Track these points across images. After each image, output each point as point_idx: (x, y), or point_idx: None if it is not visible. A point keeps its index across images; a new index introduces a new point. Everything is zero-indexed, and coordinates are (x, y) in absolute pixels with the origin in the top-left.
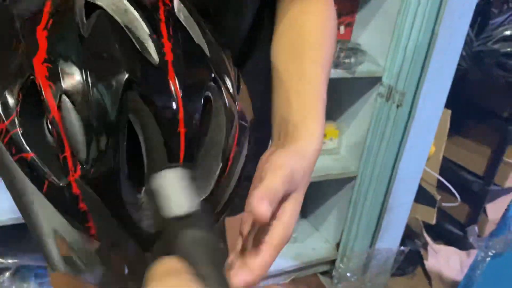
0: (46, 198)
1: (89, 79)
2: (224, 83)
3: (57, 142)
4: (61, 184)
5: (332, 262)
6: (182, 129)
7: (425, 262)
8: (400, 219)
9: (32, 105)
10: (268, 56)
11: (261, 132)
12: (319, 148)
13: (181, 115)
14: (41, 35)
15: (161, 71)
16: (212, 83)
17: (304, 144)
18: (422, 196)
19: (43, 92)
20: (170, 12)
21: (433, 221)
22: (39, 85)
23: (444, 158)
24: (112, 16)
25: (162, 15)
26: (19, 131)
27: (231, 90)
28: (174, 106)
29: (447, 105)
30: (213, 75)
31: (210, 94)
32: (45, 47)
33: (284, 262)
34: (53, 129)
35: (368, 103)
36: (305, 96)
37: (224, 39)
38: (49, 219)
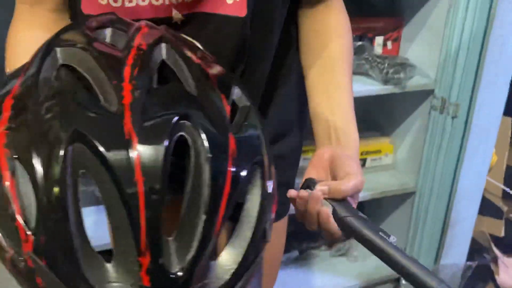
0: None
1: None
2: (209, 118)
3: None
4: (19, 257)
5: (397, 281)
6: (140, 185)
7: (496, 277)
8: (464, 234)
9: None
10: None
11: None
12: None
13: (137, 161)
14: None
15: (117, 117)
16: (187, 122)
17: (355, 152)
18: (487, 208)
19: None
20: (142, 55)
21: (502, 234)
22: None
23: (508, 166)
24: (74, 68)
25: (130, 60)
26: None
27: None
28: (130, 154)
29: (507, 113)
30: (193, 113)
31: (184, 134)
32: (7, 115)
33: (346, 282)
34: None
35: (421, 117)
36: (345, 105)
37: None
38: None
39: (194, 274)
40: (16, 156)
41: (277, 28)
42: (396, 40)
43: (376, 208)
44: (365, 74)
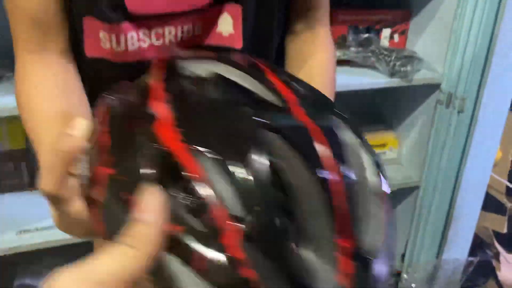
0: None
1: (220, 129)
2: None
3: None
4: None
5: (397, 274)
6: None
7: (498, 273)
8: (467, 229)
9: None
10: None
11: None
12: None
13: (328, 152)
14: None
15: (289, 112)
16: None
17: None
18: (491, 204)
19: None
20: (267, 64)
21: (504, 230)
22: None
23: None
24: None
25: (261, 65)
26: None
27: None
28: (318, 148)
29: None
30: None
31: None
32: (172, 116)
33: None
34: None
35: (427, 111)
36: None
37: None
38: None
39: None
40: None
41: (273, 57)
42: (403, 33)
43: None
44: (371, 66)
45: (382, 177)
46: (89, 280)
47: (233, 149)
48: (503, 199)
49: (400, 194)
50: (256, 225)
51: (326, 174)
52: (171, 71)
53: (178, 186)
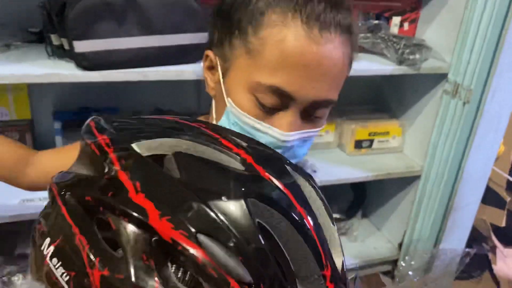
0: None
1: (214, 209)
2: None
3: (215, 280)
4: None
5: (394, 262)
6: (301, 210)
7: (494, 266)
8: (466, 220)
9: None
10: None
11: None
12: None
13: (299, 207)
14: (139, 198)
15: (251, 171)
16: None
17: None
18: (490, 197)
19: (180, 243)
20: None
21: (502, 224)
22: (172, 239)
23: None
24: (188, 154)
25: (226, 142)
26: None
27: None
28: (293, 204)
29: None
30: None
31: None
32: (151, 206)
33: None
34: (206, 270)
35: (433, 100)
36: None
37: None
38: None
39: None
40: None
41: None
42: (414, 22)
43: (380, 189)
44: (380, 53)
45: (331, 214)
46: None
47: (223, 221)
48: (503, 193)
49: (401, 183)
50: (265, 283)
51: (305, 228)
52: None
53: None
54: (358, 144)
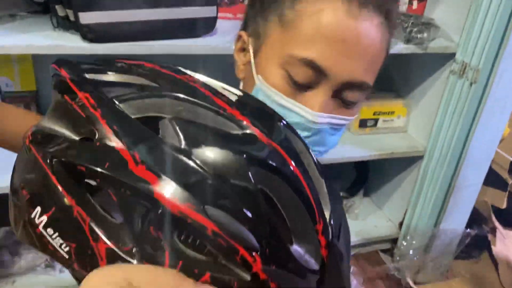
0: None
1: (218, 180)
2: None
3: (225, 249)
4: (248, 279)
5: (394, 241)
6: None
7: (493, 247)
8: (467, 201)
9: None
10: None
11: None
12: None
13: (293, 164)
14: (140, 170)
15: (247, 134)
16: None
17: None
18: (493, 179)
19: (187, 215)
20: None
21: (503, 205)
22: (180, 212)
23: None
24: (185, 119)
25: (221, 103)
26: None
27: None
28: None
29: None
30: None
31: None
32: (154, 177)
33: None
34: (216, 240)
35: (439, 80)
36: None
37: None
38: None
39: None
40: None
41: None
42: (423, 0)
43: (383, 168)
44: None
45: (318, 166)
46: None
47: (229, 188)
48: (506, 175)
49: (404, 163)
50: (268, 249)
51: (299, 184)
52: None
53: (192, 241)
54: (363, 123)
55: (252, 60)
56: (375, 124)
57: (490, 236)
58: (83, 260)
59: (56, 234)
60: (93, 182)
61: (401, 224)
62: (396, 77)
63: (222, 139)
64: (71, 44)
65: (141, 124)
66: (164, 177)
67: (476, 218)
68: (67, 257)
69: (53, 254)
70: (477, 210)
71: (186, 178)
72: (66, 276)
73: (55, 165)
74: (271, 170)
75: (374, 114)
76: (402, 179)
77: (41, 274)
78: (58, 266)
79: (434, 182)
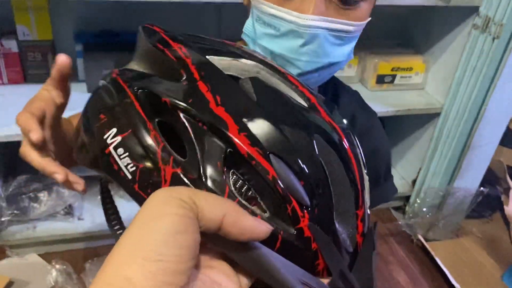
0: (279, 253)
1: (285, 133)
2: None
3: (280, 197)
4: (294, 232)
5: (406, 199)
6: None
7: (505, 207)
8: (482, 160)
9: (238, 169)
10: None
11: None
12: None
13: (350, 148)
14: (220, 111)
15: (314, 109)
16: None
17: None
18: (509, 139)
19: (254, 158)
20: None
21: None
22: (248, 153)
23: None
24: (263, 81)
25: (292, 80)
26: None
27: None
28: (344, 144)
29: None
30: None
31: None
32: (231, 120)
33: None
34: (274, 186)
35: (461, 36)
36: None
37: None
38: (291, 272)
39: None
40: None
41: None
42: None
43: (398, 126)
44: None
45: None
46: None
47: (293, 144)
48: None
49: (420, 120)
50: (317, 211)
51: (351, 167)
52: (209, 69)
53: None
54: (380, 79)
55: None
56: (393, 81)
57: (503, 197)
58: (146, 181)
59: (126, 154)
60: (172, 115)
61: (414, 182)
62: (416, 33)
63: (293, 105)
64: None
65: (225, 74)
66: (239, 121)
67: (490, 178)
68: (130, 177)
69: (115, 173)
70: (491, 170)
71: (257, 126)
72: (84, 223)
73: (140, 95)
74: (332, 145)
75: (392, 70)
76: (417, 137)
77: (60, 221)
78: (77, 213)
79: (449, 140)
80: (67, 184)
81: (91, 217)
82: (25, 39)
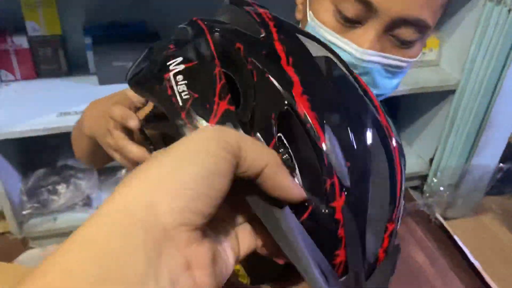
0: (304, 225)
1: (346, 113)
2: None
3: (324, 168)
4: (325, 211)
5: (424, 178)
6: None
7: None
8: (500, 137)
9: (287, 132)
10: None
11: None
12: None
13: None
14: (289, 70)
15: (377, 110)
16: None
17: None
18: None
19: (310, 121)
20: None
21: None
22: (304, 114)
23: None
24: (336, 63)
25: (357, 76)
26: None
27: None
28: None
29: None
30: None
31: None
32: (298, 81)
33: None
34: (321, 154)
35: (475, 9)
36: None
37: None
38: (310, 251)
39: None
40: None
41: None
42: None
43: (413, 104)
44: None
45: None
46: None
47: (350, 124)
48: None
49: (435, 98)
50: (354, 198)
51: (396, 177)
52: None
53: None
54: None
55: None
56: None
57: None
58: (196, 111)
59: (184, 82)
60: (241, 62)
61: (431, 160)
62: None
63: (359, 94)
64: None
65: (302, 41)
66: (305, 84)
67: (509, 155)
68: (181, 104)
69: (166, 98)
70: (510, 146)
71: (321, 97)
72: None
73: (216, 36)
74: (384, 148)
75: None
76: (433, 115)
77: (79, 212)
78: (95, 204)
79: (466, 117)
80: None
81: None
82: (35, 34)
